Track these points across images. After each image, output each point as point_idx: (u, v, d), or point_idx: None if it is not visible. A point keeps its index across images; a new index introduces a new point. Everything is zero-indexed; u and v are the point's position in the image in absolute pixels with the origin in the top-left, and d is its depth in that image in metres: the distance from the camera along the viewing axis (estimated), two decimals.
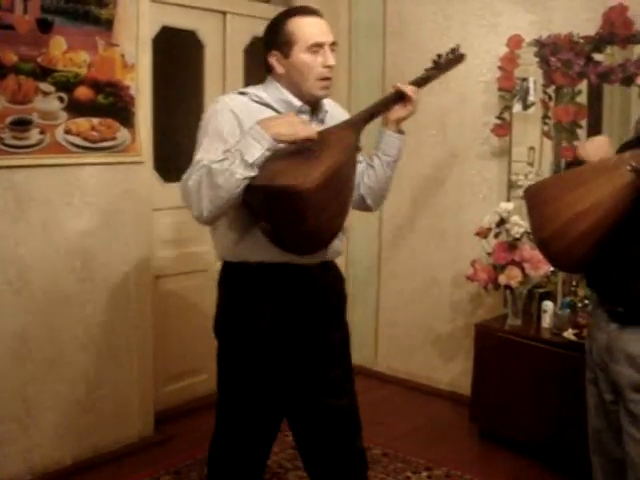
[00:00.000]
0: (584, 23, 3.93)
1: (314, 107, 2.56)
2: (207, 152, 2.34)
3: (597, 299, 2.57)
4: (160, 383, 4.21)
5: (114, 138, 3.65)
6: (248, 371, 2.59)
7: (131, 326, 3.87)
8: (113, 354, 3.81)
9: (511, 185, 4.28)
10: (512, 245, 3.89)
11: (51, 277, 3.51)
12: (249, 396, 2.61)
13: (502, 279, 3.89)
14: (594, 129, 4.05)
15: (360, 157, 2.67)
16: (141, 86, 3.76)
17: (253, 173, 2.24)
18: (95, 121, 3.57)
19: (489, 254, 4.00)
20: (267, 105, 2.50)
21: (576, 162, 2.47)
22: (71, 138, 3.49)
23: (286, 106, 2.50)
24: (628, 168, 2.17)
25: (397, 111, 2.62)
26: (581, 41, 3.90)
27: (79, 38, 3.48)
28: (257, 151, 2.23)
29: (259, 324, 2.53)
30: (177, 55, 4.34)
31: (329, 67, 2.47)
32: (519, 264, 3.83)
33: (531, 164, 4.28)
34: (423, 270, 4.76)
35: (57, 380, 3.58)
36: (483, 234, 4.05)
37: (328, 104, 2.64)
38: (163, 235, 4.21)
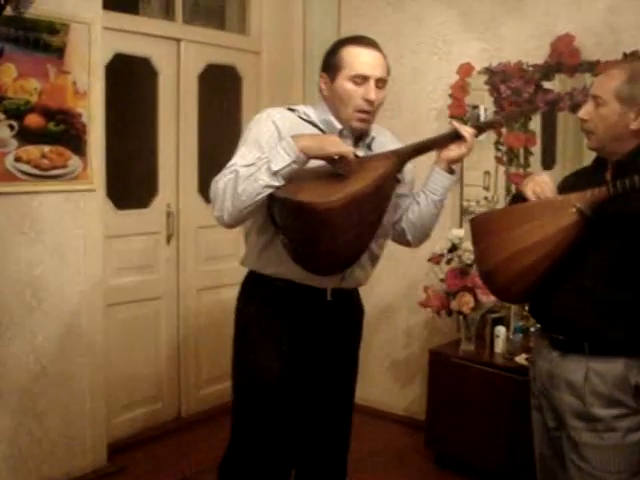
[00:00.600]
0: (533, 52, 4.00)
1: (357, 133, 2.55)
2: (242, 158, 2.38)
3: (539, 328, 2.63)
4: (114, 412, 4.15)
5: (65, 166, 3.62)
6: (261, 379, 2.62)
7: (83, 355, 3.81)
8: (64, 384, 3.74)
9: (463, 211, 4.32)
10: (464, 271, 3.92)
11: (1, 306, 3.46)
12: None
13: (454, 305, 3.92)
14: (548, 155, 4.12)
15: (407, 191, 2.67)
16: (93, 113, 3.74)
17: (277, 182, 2.26)
18: (46, 149, 3.54)
19: (442, 280, 4.03)
20: (312, 123, 2.52)
21: (520, 196, 2.49)
22: (21, 166, 3.45)
23: (329, 127, 2.52)
24: (573, 210, 2.24)
25: (450, 150, 2.57)
26: (530, 69, 3.98)
27: (30, 65, 3.45)
28: (283, 161, 2.26)
29: (269, 337, 2.58)
30: (130, 82, 4.33)
31: (368, 101, 2.45)
32: (471, 290, 3.86)
33: (487, 188, 4.32)
34: (378, 296, 4.76)
35: (6, 410, 3.52)
36: (435, 260, 4.07)
37: (378, 131, 2.64)
38: (116, 263, 4.17)
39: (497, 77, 4.07)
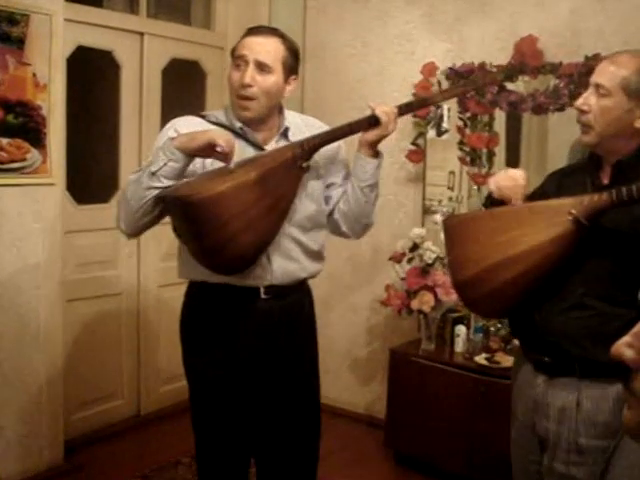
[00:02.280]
0: (497, 53, 4.02)
1: (256, 126, 2.48)
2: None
3: (521, 353, 2.34)
4: (71, 410, 4.10)
5: (24, 159, 3.57)
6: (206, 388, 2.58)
7: (40, 351, 3.76)
8: (20, 380, 3.69)
9: (425, 210, 4.34)
10: (425, 270, 3.93)
11: None
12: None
13: (415, 304, 3.92)
14: (513, 156, 4.14)
15: (338, 180, 2.61)
16: (53, 106, 3.68)
17: (158, 183, 2.25)
18: (4, 141, 3.48)
19: (403, 279, 4.03)
20: (221, 125, 2.46)
21: (495, 199, 2.28)
22: None
23: (233, 126, 2.47)
24: (568, 218, 1.99)
25: (368, 134, 2.46)
26: (494, 70, 3.99)
27: None
28: (161, 161, 2.25)
29: (202, 343, 2.55)
30: (93, 75, 4.28)
31: (243, 85, 2.37)
32: (432, 289, 3.87)
33: (451, 188, 4.34)
34: (340, 295, 4.77)
35: None
36: (397, 259, 4.08)
37: (303, 121, 2.59)
38: (76, 258, 4.12)
39: (461, 77, 4.09)
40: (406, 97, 4.33)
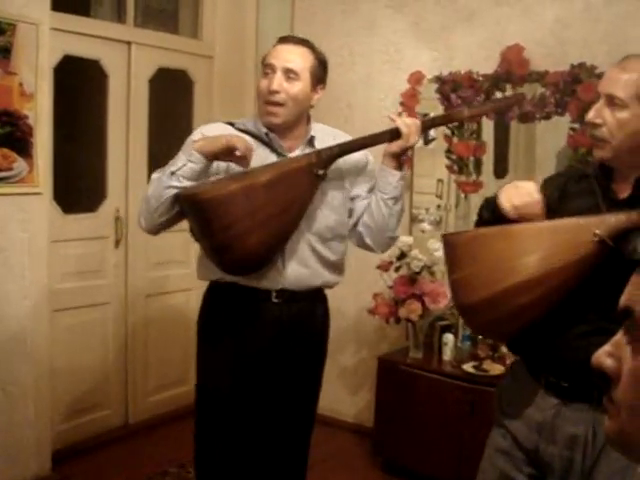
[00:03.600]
0: (483, 61, 4.03)
1: (282, 133, 2.53)
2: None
3: (524, 369, 2.14)
4: (58, 420, 4.08)
5: (10, 169, 3.55)
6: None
7: (26, 361, 3.73)
8: (6, 391, 3.66)
9: (413, 219, 4.35)
10: (412, 279, 3.93)
11: None
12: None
13: (402, 313, 3.92)
14: (500, 165, 4.15)
15: (362, 193, 2.62)
16: (40, 115, 3.67)
17: (176, 183, 2.33)
18: None
19: (390, 287, 4.04)
20: (248, 132, 2.51)
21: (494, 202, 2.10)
22: None
23: (259, 133, 2.53)
24: (594, 239, 1.81)
25: (390, 145, 2.49)
26: (480, 79, 4.01)
27: None
28: (180, 162, 2.34)
29: (215, 340, 2.62)
30: (80, 85, 4.27)
31: (271, 91, 2.44)
32: (419, 297, 3.87)
33: (439, 196, 4.35)
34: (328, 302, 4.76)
35: None
36: (384, 267, 4.08)
37: (328, 132, 2.62)
38: (63, 267, 4.10)
39: (447, 86, 4.10)
40: (393, 106, 4.35)
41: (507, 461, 2.11)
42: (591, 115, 1.93)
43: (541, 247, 1.90)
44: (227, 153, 2.33)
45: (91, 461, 4.11)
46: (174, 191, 2.34)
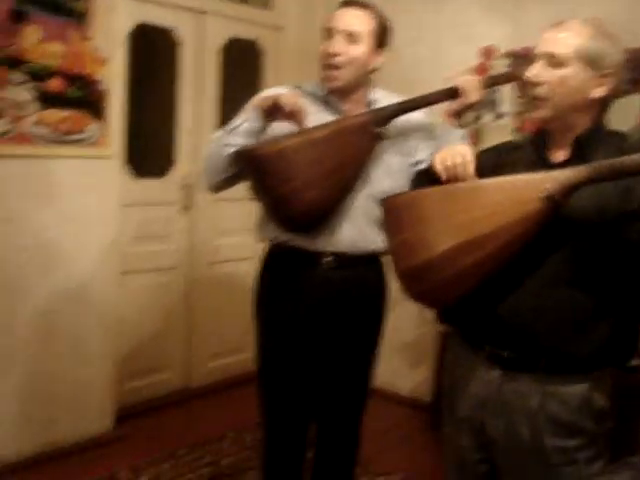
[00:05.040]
0: None
1: (342, 96, 2.53)
2: None
3: (460, 343, 2.10)
4: (122, 379, 4.17)
5: (83, 131, 3.64)
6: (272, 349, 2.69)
7: (94, 320, 3.84)
8: (75, 348, 3.78)
9: None
10: None
11: (13, 268, 3.49)
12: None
13: None
14: None
15: (425, 157, 2.52)
16: (113, 81, 3.75)
17: (234, 141, 2.38)
18: (65, 113, 3.55)
19: None
20: (310, 95, 2.54)
21: (430, 172, 2.11)
22: (40, 129, 3.47)
23: (318, 95, 2.56)
24: (541, 194, 1.77)
25: (451, 104, 2.41)
26: None
27: (52, 29, 3.46)
28: (239, 120, 2.41)
29: (270, 299, 2.66)
30: (152, 52, 4.33)
31: (329, 54, 2.45)
32: None
33: None
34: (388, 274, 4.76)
35: (15, 372, 3.56)
36: None
37: (389, 97, 2.57)
38: (131, 231, 4.19)
39: (520, 61, 4.04)
40: None
41: (459, 451, 2.11)
42: (531, 74, 1.91)
43: (487, 204, 1.83)
44: (276, 109, 2.32)
45: (151, 422, 4.21)
46: (232, 149, 2.39)
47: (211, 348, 4.74)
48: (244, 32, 4.73)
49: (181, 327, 4.56)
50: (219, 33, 4.55)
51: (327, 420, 2.77)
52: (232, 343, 4.79)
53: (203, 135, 4.48)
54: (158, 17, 4.23)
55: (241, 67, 4.80)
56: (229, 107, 4.50)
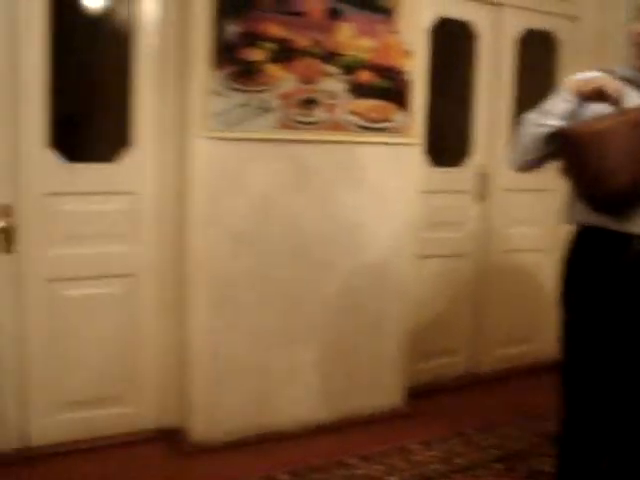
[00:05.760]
0: None
1: None
2: None
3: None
4: (414, 359, 4.31)
5: (390, 120, 3.84)
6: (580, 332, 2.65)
7: (393, 300, 4.03)
8: (374, 325, 3.98)
9: None
10: None
11: (324, 247, 3.75)
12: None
13: None
14: None
15: None
16: (417, 73, 3.92)
17: (548, 121, 2.45)
18: (373, 103, 3.78)
19: None
20: (623, 79, 2.52)
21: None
22: (351, 118, 3.73)
23: (632, 77, 2.54)
24: None
25: None
26: None
27: (363, 25, 3.70)
28: (555, 102, 2.47)
29: (577, 281, 2.64)
30: (451, 45, 4.47)
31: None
32: None
33: None
34: None
35: (318, 345, 3.83)
36: None
37: None
38: (429, 217, 4.34)
39: None
40: None
41: None
42: None
43: None
44: (598, 94, 2.37)
45: (439, 402, 4.34)
46: (546, 129, 2.45)
47: (499, 336, 4.79)
48: (540, 23, 4.74)
49: (470, 313, 4.66)
50: (515, 25, 4.61)
51: (628, 425, 2.64)
52: (518, 333, 4.83)
53: (498, 126, 4.56)
54: (458, 11, 4.38)
55: (536, 58, 4.80)
56: (525, 98, 4.58)
